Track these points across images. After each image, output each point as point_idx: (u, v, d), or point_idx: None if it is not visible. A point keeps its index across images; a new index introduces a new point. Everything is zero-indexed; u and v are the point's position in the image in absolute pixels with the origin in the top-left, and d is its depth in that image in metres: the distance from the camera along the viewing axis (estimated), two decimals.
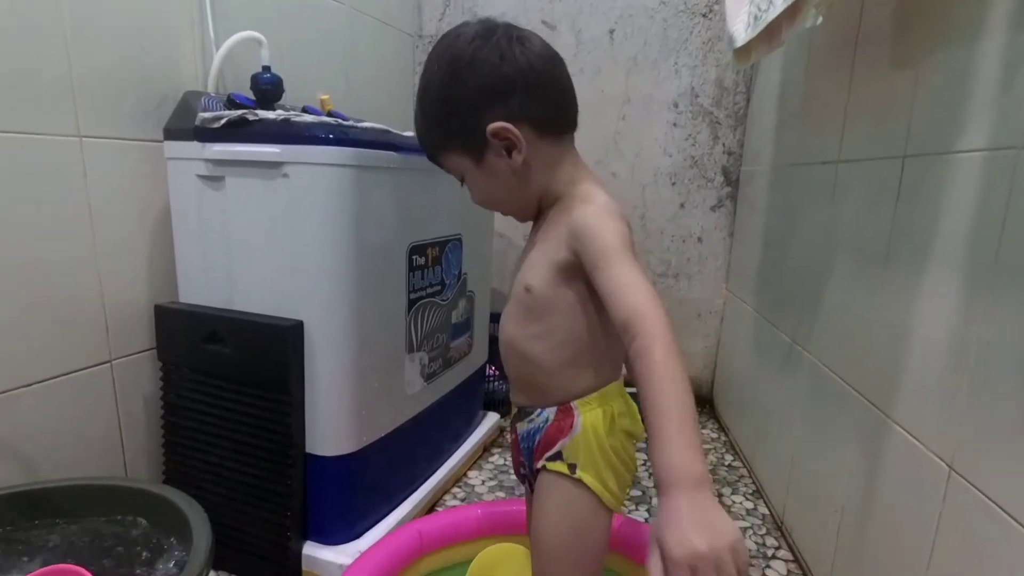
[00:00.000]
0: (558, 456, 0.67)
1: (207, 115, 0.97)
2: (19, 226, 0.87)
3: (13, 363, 0.88)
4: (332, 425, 1.01)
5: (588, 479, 0.65)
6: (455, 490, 1.37)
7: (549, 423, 0.68)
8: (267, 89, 1.10)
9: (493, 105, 0.63)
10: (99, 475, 0.99)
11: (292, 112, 1.00)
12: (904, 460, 0.80)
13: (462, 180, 0.71)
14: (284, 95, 1.13)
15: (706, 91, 1.80)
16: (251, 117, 0.95)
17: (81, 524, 0.83)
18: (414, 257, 1.11)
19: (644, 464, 1.53)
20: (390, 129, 1.06)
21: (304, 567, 1.04)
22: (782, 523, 1.25)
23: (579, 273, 0.64)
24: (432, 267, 1.18)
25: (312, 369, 0.98)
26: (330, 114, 1.22)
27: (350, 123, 1.01)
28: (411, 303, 1.13)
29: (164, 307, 1.04)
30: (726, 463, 1.56)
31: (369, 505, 1.12)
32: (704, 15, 1.75)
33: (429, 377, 1.24)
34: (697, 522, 0.44)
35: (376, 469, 1.10)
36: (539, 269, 0.67)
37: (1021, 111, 0.63)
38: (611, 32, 1.81)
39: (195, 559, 0.72)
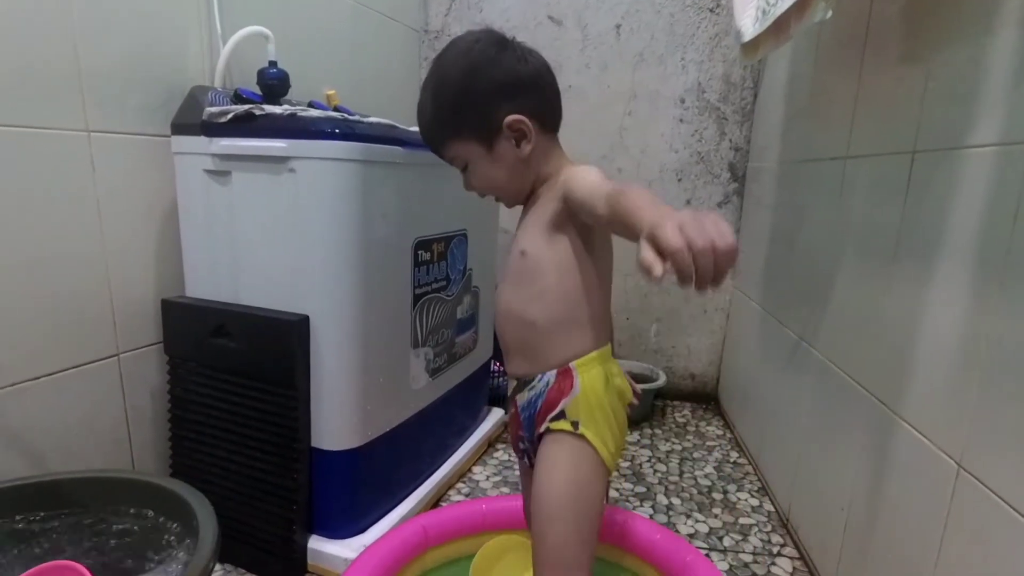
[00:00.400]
0: (561, 415, 0.71)
1: (214, 110, 0.97)
2: (28, 220, 0.88)
3: (22, 356, 0.89)
4: (338, 419, 1.02)
5: (590, 435, 0.70)
6: (460, 485, 1.37)
7: (550, 386, 0.73)
8: (273, 84, 1.10)
9: (509, 100, 0.71)
10: (107, 468, 1.00)
11: (298, 107, 1.00)
12: (912, 457, 0.80)
13: (464, 167, 0.77)
14: (290, 90, 1.13)
15: (713, 86, 1.79)
16: (257, 112, 0.95)
17: (89, 516, 0.84)
18: (419, 252, 1.11)
19: (649, 460, 1.53)
20: (396, 124, 1.06)
21: (310, 560, 1.05)
22: (788, 520, 1.24)
23: (569, 223, 0.71)
24: (437, 262, 1.18)
25: (318, 364, 0.98)
26: (336, 109, 1.22)
27: (356, 118, 1.01)
28: (416, 298, 1.13)
29: (171, 301, 1.04)
30: (731, 460, 1.56)
31: (374, 500, 1.12)
32: (711, 10, 1.74)
33: (434, 372, 1.24)
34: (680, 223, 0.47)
35: (381, 464, 1.11)
36: (532, 232, 0.74)
37: None
38: (617, 27, 1.80)
39: (201, 551, 0.72)
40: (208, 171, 0.99)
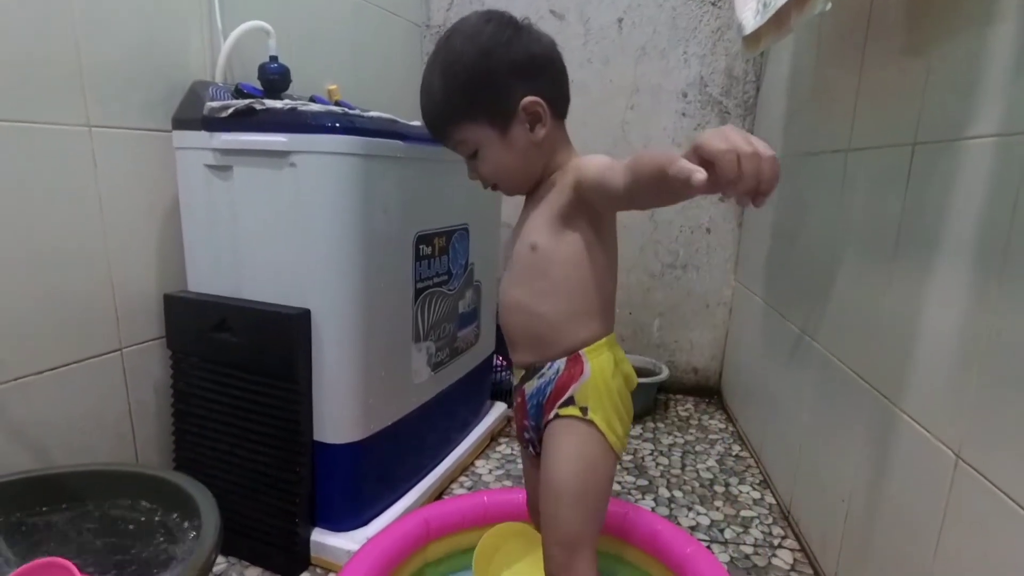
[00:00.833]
0: (570, 401, 0.72)
1: (215, 104, 0.97)
2: (30, 215, 0.88)
3: (25, 351, 0.89)
4: (340, 413, 1.02)
5: (598, 420, 0.71)
6: (462, 479, 1.38)
7: (560, 373, 0.73)
8: (274, 79, 1.10)
9: (525, 82, 0.69)
10: (110, 461, 1.00)
11: (299, 101, 1.00)
12: (911, 449, 0.80)
13: (473, 154, 0.74)
14: (291, 85, 1.13)
15: (715, 80, 1.78)
16: (258, 106, 0.95)
17: (92, 509, 0.84)
18: (421, 246, 1.12)
19: (651, 453, 1.53)
20: (396, 119, 1.06)
21: (313, 553, 1.05)
22: (789, 513, 1.24)
23: (580, 214, 0.70)
24: (439, 257, 1.19)
25: (319, 357, 0.99)
26: (337, 104, 1.22)
27: (356, 112, 1.01)
28: (418, 292, 1.13)
29: (173, 296, 1.05)
30: (733, 453, 1.56)
31: (377, 493, 1.13)
32: (713, 3, 1.74)
33: (436, 366, 1.24)
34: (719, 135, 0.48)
35: (384, 457, 1.11)
36: (541, 225, 0.73)
37: None
38: (619, 21, 1.79)
39: (204, 543, 0.73)
40: (209, 166, 1.00)
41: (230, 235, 1.01)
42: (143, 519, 0.84)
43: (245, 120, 0.96)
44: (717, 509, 1.29)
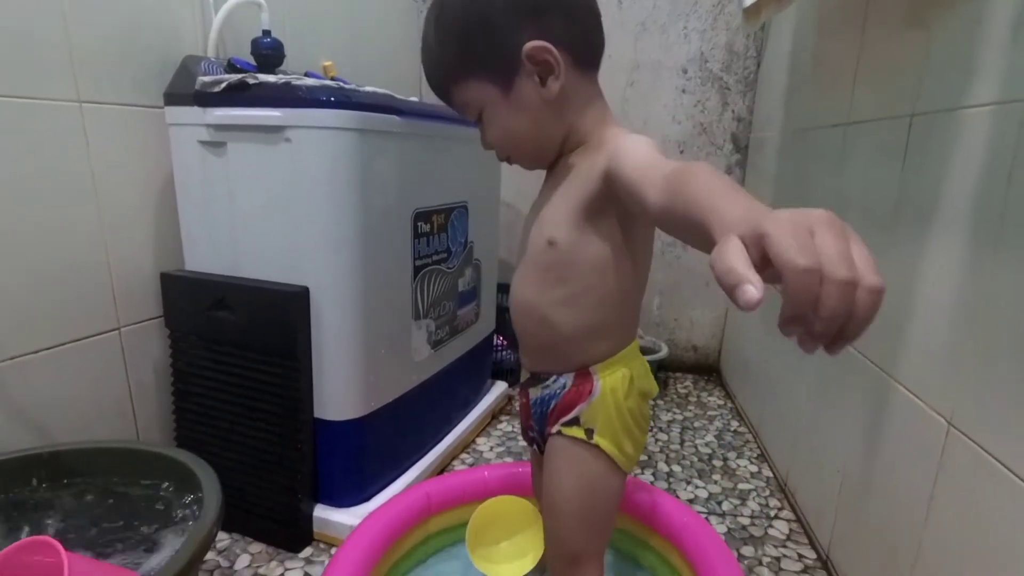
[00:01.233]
0: (575, 421, 0.65)
1: (207, 79, 0.96)
2: (22, 192, 0.87)
3: (21, 330, 0.89)
4: (340, 390, 1.02)
5: (605, 444, 0.64)
6: (464, 456, 1.39)
7: (567, 389, 0.66)
8: (268, 54, 1.08)
9: (528, 24, 0.56)
10: (110, 439, 1.01)
11: (293, 76, 0.99)
12: (904, 418, 0.81)
13: (478, 117, 0.64)
14: (286, 61, 1.12)
15: (716, 56, 1.76)
16: (251, 81, 0.94)
17: (94, 486, 0.85)
18: (419, 223, 1.11)
19: (650, 430, 1.54)
20: (393, 94, 1.05)
21: (316, 529, 1.06)
22: (786, 485, 1.25)
23: (609, 209, 0.58)
24: (437, 234, 1.18)
25: (319, 335, 0.99)
26: (333, 80, 1.21)
27: (352, 87, 1.00)
28: (416, 270, 1.13)
29: (170, 275, 1.04)
30: (732, 429, 1.57)
31: (379, 469, 1.14)
32: None
33: (436, 344, 1.24)
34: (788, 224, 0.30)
35: (385, 434, 1.12)
36: (562, 218, 0.61)
37: None
38: None
39: (205, 516, 0.73)
40: (203, 142, 0.99)
41: (226, 212, 1.00)
42: (145, 495, 0.85)
43: (238, 95, 0.95)
44: (715, 482, 1.30)
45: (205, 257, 1.05)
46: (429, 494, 0.99)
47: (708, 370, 1.99)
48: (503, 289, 1.53)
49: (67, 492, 0.84)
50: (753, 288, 0.28)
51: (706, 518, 1.11)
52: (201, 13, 1.11)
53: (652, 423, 1.59)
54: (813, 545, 1.08)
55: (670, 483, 1.29)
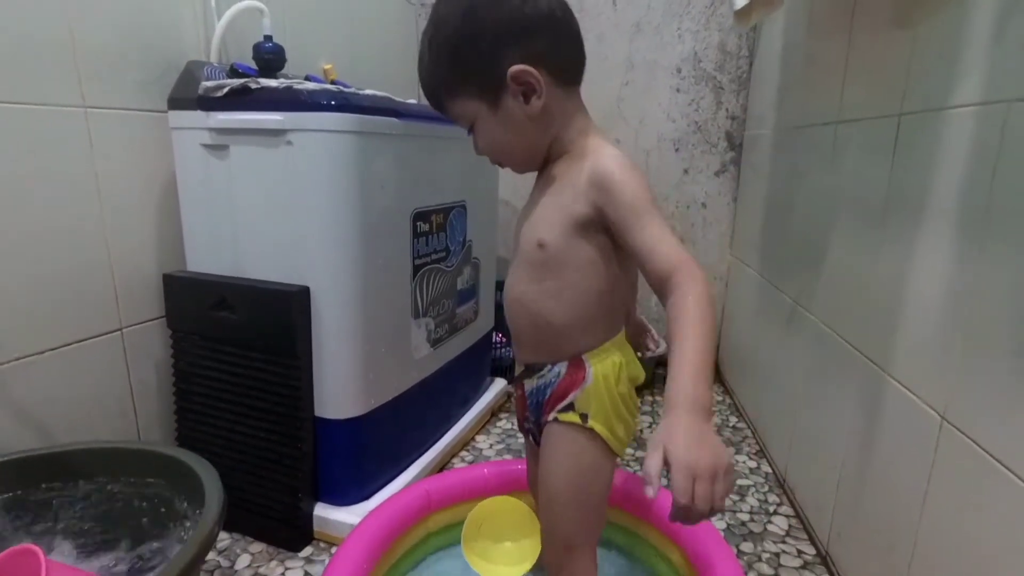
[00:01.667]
0: (570, 407, 0.68)
1: (210, 84, 0.97)
2: (28, 196, 0.88)
3: (24, 330, 0.90)
4: (340, 389, 1.04)
5: (599, 427, 0.68)
6: (463, 453, 1.40)
7: (561, 377, 0.70)
8: (269, 58, 1.09)
9: (513, 47, 0.62)
10: (112, 439, 1.02)
11: (294, 80, 1.00)
12: (899, 413, 0.82)
13: (470, 128, 0.69)
14: (287, 65, 1.13)
15: (709, 55, 1.78)
16: (253, 85, 0.95)
17: (95, 486, 0.86)
18: (418, 223, 1.12)
19: (649, 426, 1.55)
20: (392, 97, 1.06)
21: (316, 528, 1.07)
22: (784, 481, 1.27)
23: (599, 228, 0.64)
24: (436, 233, 1.19)
25: (319, 334, 1.00)
26: (333, 83, 1.22)
27: (352, 90, 1.01)
28: (416, 269, 1.14)
29: (172, 275, 1.05)
30: (730, 424, 1.58)
31: (379, 467, 1.15)
32: None
33: (436, 342, 1.25)
34: (701, 440, 0.49)
35: (385, 432, 1.13)
36: (553, 223, 0.66)
37: (1011, 63, 0.63)
38: None
39: (207, 515, 0.73)
40: (206, 145, 1.00)
41: (228, 214, 1.01)
42: (146, 494, 0.85)
43: (240, 99, 0.96)
44: None
45: (207, 258, 1.06)
46: (429, 492, 1.00)
47: None
48: (501, 286, 1.54)
49: (70, 492, 0.84)
50: (653, 491, 0.47)
51: None
52: (204, 19, 1.12)
53: (652, 419, 1.60)
54: (812, 541, 1.09)
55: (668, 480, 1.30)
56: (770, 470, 1.34)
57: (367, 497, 1.10)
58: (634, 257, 0.62)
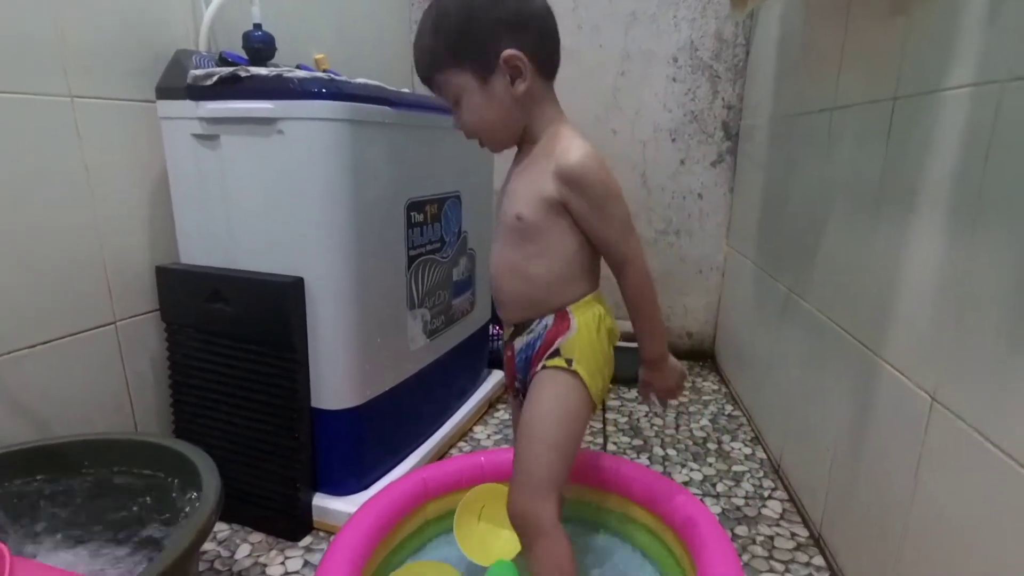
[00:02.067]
0: (556, 353, 0.76)
1: (199, 73, 0.96)
2: (15, 188, 0.87)
3: (16, 324, 0.89)
4: (336, 380, 1.03)
5: (582, 371, 0.75)
6: (461, 444, 1.40)
7: (548, 328, 0.78)
8: (259, 47, 1.09)
9: (509, 36, 0.71)
10: (108, 431, 1.02)
11: (285, 68, 0.99)
12: (890, 395, 0.82)
13: (456, 102, 0.76)
14: (278, 54, 1.12)
15: (705, 44, 1.77)
16: (243, 74, 0.95)
17: (92, 477, 0.86)
18: (412, 214, 1.12)
19: (646, 415, 1.56)
20: (385, 85, 1.05)
21: (315, 517, 1.08)
22: (779, 466, 1.27)
23: (566, 208, 0.74)
24: (431, 224, 1.19)
25: (315, 325, 1.00)
26: (324, 72, 1.21)
27: (343, 79, 1.00)
28: (411, 260, 1.14)
29: (165, 268, 1.05)
30: (726, 413, 1.58)
31: (377, 457, 1.15)
32: None
33: (432, 334, 1.25)
34: (673, 365, 0.84)
35: (382, 423, 1.13)
36: (529, 200, 0.75)
37: (1005, 44, 0.63)
38: None
39: (203, 505, 0.73)
40: (196, 135, 0.99)
41: (220, 205, 1.01)
42: (143, 485, 0.85)
43: (230, 88, 0.95)
44: (710, 465, 1.32)
45: (200, 250, 1.05)
46: (426, 480, 1.00)
47: (703, 356, 2.01)
48: None
49: (66, 484, 0.84)
50: (662, 408, 0.80)
51: (701, 499, 1.12)
52: (192, 7, 1.11)
53: (648, 407, 1.60)
54: (806, 523, 1.10)
55: (666, 466, 1.31)
56: (765, 456, 1.35)
57: (366, 487, 1.10)
58: (594, 242, 0.75)
